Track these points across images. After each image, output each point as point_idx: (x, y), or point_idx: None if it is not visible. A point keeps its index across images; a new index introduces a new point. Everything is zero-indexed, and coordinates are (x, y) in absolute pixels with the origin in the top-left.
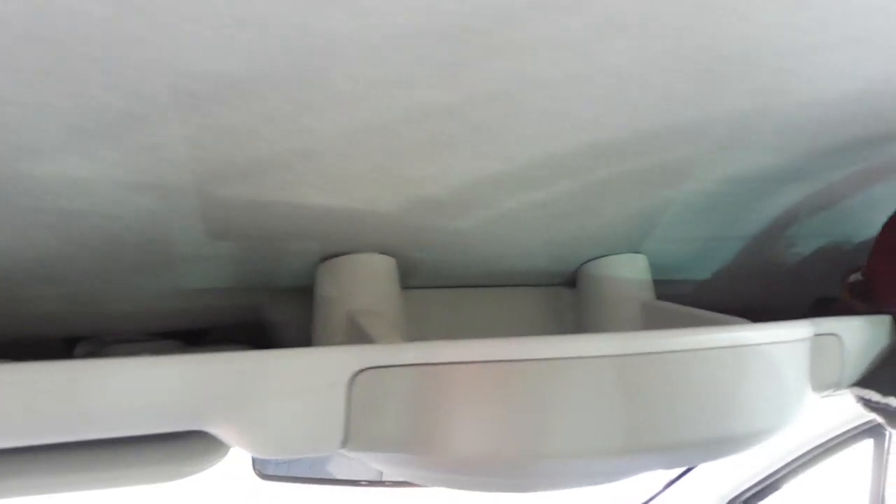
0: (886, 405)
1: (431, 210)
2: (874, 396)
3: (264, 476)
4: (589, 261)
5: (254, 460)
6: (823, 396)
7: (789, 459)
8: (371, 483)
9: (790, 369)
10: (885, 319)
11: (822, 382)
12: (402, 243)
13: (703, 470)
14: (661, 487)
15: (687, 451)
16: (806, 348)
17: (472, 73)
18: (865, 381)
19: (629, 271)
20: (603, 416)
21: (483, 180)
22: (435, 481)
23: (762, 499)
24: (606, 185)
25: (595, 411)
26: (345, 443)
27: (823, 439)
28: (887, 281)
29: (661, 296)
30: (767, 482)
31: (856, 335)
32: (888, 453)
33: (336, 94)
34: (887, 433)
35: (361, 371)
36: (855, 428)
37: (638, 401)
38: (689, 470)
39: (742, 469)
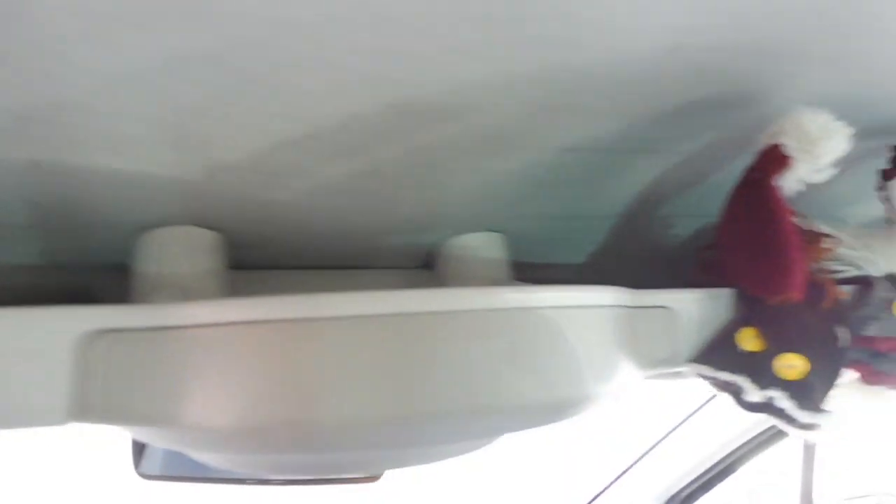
0: (715, 379)
1: (238, 178)
2: (708, 371)
3: (146, 476)
4: (445, 240)
5: (134, 459)
6: (662, 372)
7: (722, 455)
8: (260, 482)
9: (584, 335)
10: (724, 293)
11: (653, 357)
12: (223, 216)
13: (641, 469)
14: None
15: (474, 420)
16: (609, 316)
17: (221, 15)
18: (701, 356)
19: (485, 251)
20: (363, 381)
21: (284, 144)
22: (216, 461)
23: (699, 497)
24: (432, 154)
25: (356, 375)
26: (78, 415)
27: (754, 433)
28: (728, 253)
29: (534, 279)
30: (703, 479)
31: (691, 308)
32: (815, 446)
33: (67, 34)
34: None
35: (98, 335)
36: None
37: (404, 364)
38: (626, 471)
39: (677, 468)
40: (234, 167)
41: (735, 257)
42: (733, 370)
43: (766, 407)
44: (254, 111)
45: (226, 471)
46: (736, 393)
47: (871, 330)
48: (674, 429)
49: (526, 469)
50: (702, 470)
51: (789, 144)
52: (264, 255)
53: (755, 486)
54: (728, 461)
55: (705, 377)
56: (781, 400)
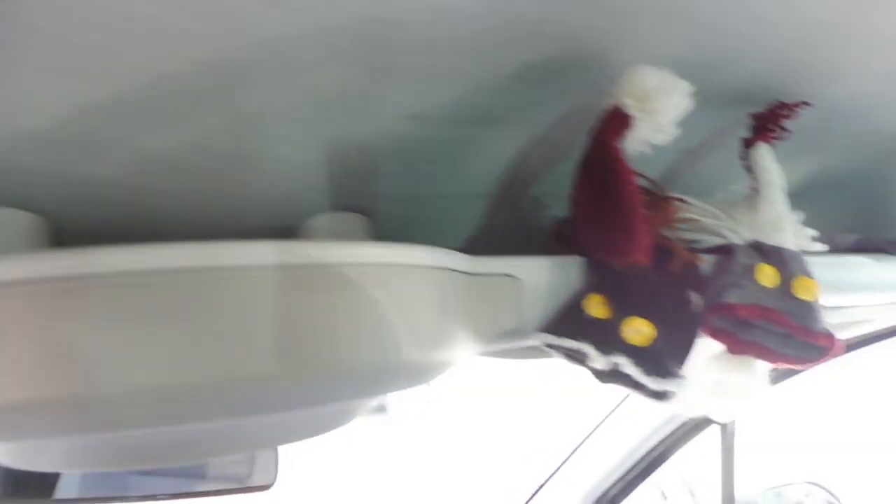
0: (561, 347)
1: (47, 149)
2: (554, 340)
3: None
4: (303, 223)
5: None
6: (512, 340)
7: (643, 453)
8: (174, 496)
9: (400, 296)
10: (573, 261)
11: (497, 326)
12: (47, 197)
13: (569, 470)
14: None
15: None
16: (437, 278)
17: None
18: (547, 325)
19: (343, 233)
20: (138, 347)
21: (88, 108)
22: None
23: (628, 494)
24: (261, 121)
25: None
26: None
27: (672, 428)
28: (577, 220)
29: None
30: (629, 477)
31: (539, 277)
32: (733, 435)
33: None
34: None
35: None
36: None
37: (181, 327)
38: (554, 473)
39: (603, 467)
40: (38, 137)
41: (582, 224)
42: (578, 337)
43: (616, 375)
44: (45, 70)
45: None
46: (583, 362)
47: (733, 297)
48: (594, 429)
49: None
50: (626, 468)
51: (629, 103)
52: (107, 241)
53: (681, 478)
54: (651, 456)
55: (552, 346)
56: (627, 366)
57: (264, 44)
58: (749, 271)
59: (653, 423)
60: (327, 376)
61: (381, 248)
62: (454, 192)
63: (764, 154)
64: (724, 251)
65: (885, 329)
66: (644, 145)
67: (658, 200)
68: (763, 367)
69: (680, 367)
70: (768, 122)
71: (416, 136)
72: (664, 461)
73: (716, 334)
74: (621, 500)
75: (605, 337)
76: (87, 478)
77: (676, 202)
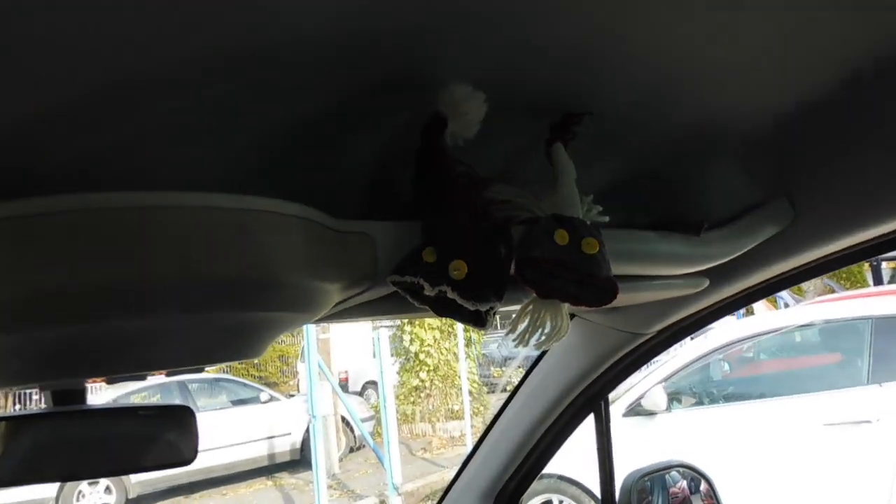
0: (403, 282)
1: None
2: (397, 278)
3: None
4: None
5: None
6: (367, 285)
7: (531, 446)
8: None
9: (268, 231)
10: (415, 224)
11: (354, 274)
12: None
13: (471, 471)
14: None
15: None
16: (300, 226)
17: None
18: (395, 269)
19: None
20: None
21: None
22: None
23: (525, 487)
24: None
25: None
26: None
27: (551, 421)
28: (416, 194)
29: None
30: (524, 469)
31: (390, 236)
32: (608, 422)
33: None
34: (602, 405)
35: None
36: (574, 401)
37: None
38: (458, 475)
39: (497, 464)
40: None
41: (420, 196)
42: (416, 274)
43: (444, 301)
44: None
45: None
46: (417, 291)
47: (537, 252)
48: (489, 427)
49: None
50: (518, 462)
51: (443, 109)
52: None
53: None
54: (539, 449)
55: (395, 283)
56: (449, 293)
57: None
58: (549, 234)
59: (534, 417)
60: (208, 282)
61: (262, 200)
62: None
63: (560, 152)
64: (531, 221)
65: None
66: (458, 139)
67: (475, 180)
68: (566, 307)
69: (492, 298)
70: (561, 128)
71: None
72: (552, 453)
73: (527, 282)
74: (520, 493)
75: (435, 273)
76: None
77: (495, 184)
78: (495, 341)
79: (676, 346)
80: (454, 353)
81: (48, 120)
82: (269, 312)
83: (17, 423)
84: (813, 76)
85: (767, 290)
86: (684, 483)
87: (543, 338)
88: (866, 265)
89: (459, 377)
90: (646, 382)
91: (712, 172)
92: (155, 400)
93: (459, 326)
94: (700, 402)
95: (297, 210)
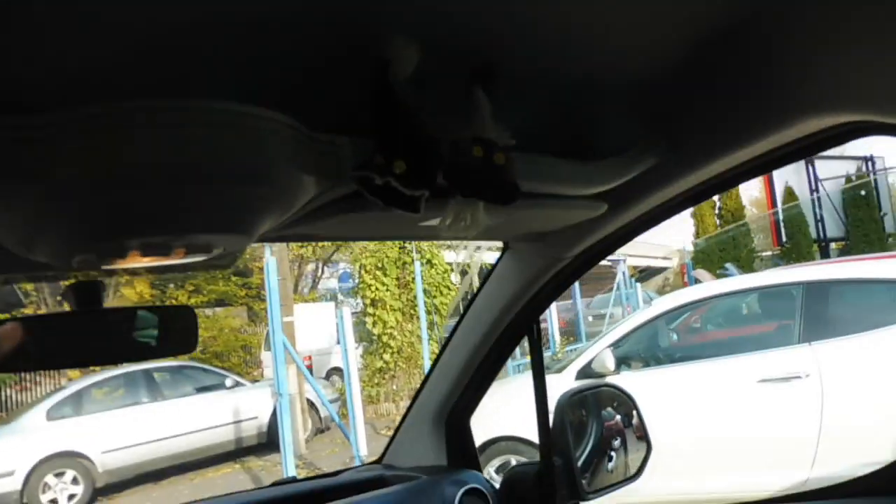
0: (360, 175)
1: None
2: (358, 173)
3: None
4: None
5: None
6: (331, 185)
7: (475, 367)
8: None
9: (251, 131)
10: (369, 139)
11: (323, 171)
12: None
13: (425, 395)
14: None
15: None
16: (273, 123)
17: None
18: (355, 168)
19: None
20: None
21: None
22: None
23: (474, 407)
24: None
25: None
26: None
27: (493, 340)
28: (372, 114)
29: None
30: (470, 391)
31: (349, 145)
32: (539, 342)
33: None
34: (534, 327)
35: None
36: (510, 325)
37: None
38: (414, 399)
39: (447, 386)
40: None
41: (374, 117)
42: (369, 169)
43: (387, 189)
44: None
45: None
46: (369, 183)
47: (460, 161)
48: (440, 352)
49: None
50: (465, 382)
51: (388, 51)
52: None
53: None
54: (485, 368)
55: (354, 177)
56: (393, 181)
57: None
58: (469, 149)
59: (476, 342)
60: (223, 165)
61: (265, 111)
62: None
63: (478, 91)
64: (456, 140)
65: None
66: (399, 76)
67: (414, 107)
68: (482, 206)
69: (424, 187)
70: (480, 72)
71: None
72: (494, 374)
73: (453, 184)
74: (469, 413)
75: (383, 168)
76: None
77: (430, 113)
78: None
79: (625, 315)
80: (417, 336)
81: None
82: (261, 188)
83: (42, 320)
84: (674, 39)
85: (660, 215)
86: (619, 417)
87: (465, 228)
88: (815, 247)
89: (422, 358)
90: (596, 347)
91: (605, 111)
92: (120, 393)
93: (422, 310)
94: (647, 366)
95: (287, 119)
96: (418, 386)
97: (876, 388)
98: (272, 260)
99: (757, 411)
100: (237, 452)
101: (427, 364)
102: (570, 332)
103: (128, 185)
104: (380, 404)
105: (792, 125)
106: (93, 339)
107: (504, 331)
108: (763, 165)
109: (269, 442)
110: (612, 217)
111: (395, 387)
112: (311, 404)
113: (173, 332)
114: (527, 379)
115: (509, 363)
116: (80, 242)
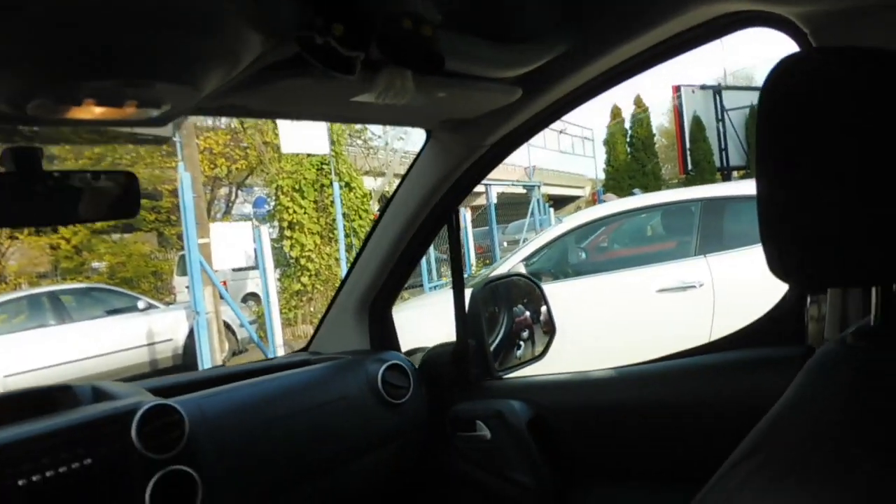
0: (297, 34)
1: None
2: (297, 33)
3: None
4: None
5: None
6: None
7: (397, 256)
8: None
9: None
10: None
11: (268, 30)
12: None
13: (349, 285)
14: None
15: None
16: None
17: None
18: (298, 38)
19: None
20: None
21: None
22: None
23: (395, 297)
24: None
25: None
26: None
27: (415, 229)
28: None
29: None
30: (392, 279)
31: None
32: (458, 230)
33: None
34: (453, 215)
35: None
36: (431, 213)
37: None
38: (339, 289)
39: (369, 275)
40: None
41: None
42: (311, 30)
43: (326, 48)
44: None
45: None
46: (310, 43)
47: (391, 31)
48: (363, 245)
49: None
50: (388, 272)
51: None
52: None
53: None
54: (407, 257)
55: (297, 37)
56: (332, 42)
57: None
58: (399, 21)
59: (398, 231)
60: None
61: None
62: None
63: None
64: (388, 14)
65: None
66: None
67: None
68: (410, 74)
69: (358, 49)
70: None
71: None
72: (416, 262)
73: (384, 53)
74: (391, 301)
75: (323, 29)
76: None
77: None
78: None
79: (536, 234)
80: (335, 259)
81: None
82: (209, 40)
83: None
84: None
85: (572, 101)
86: (528, 313)
87: (395, 95)
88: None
89: (340, 281)
90: (510, 262)
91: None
92: (22, 317)
93: (341, 232)
94: (557, 279)
95: None
96: None
97: (760, 295)
98: (187, 176)
99: (656, 317)
100: (151, 374)
101: None
102: (486, 257)
103: (83, 30)
104: (297, 326)
105: (686, 12)
106: (36, 200)
107: (425, 219)
108: (664, 52)
109: (184, 364)
110: (528, 103)
111: (312, 309)
112: (228, 326)
113: (116, 197)
114: (440, 296)
115: (425, 283)
116: (37, 85)
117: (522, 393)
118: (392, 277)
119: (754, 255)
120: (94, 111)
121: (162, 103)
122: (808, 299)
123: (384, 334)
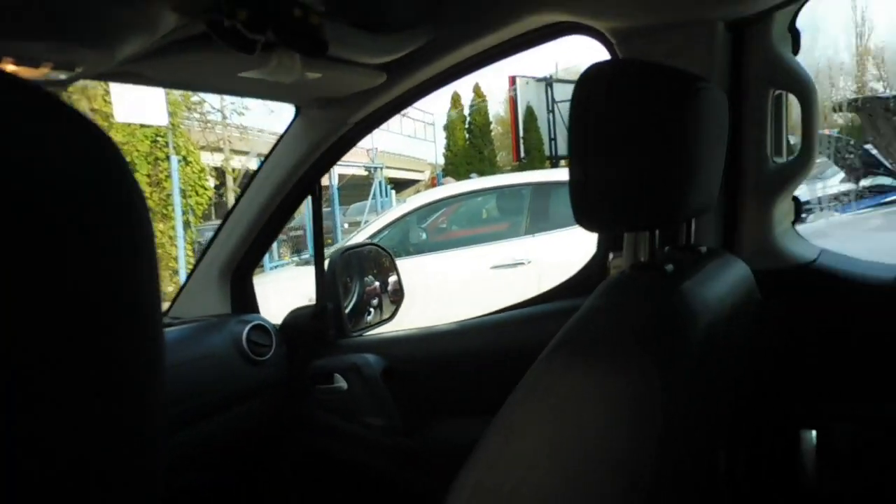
0: (207, 18)
1: None
2: (205, 16)
3: None
4: None
5: None
6: (190, 23)
7: (262, 224)
8: None
9: None
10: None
11: (183, 12)
12: None
13: (213, 251)
14: None
15: None
16: None
17: None
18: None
19: None
20: None
21: None
22: None
23: (258, 261)
24: None
25: None
26: None
27: (280, 198)
28: None
29: None
30: (255, 247)
31: None
32: (320, 201)
33: None
34: (317, 187)
35: None
36: (296, 185)
37: None
38: (202, 256)
39: (233, 242)
40: None
41: None
42: (220, 13)
43: (231, 30)
44: None
45: None
46: (219, 25)
47: (285, 20)
48: (231, 209)
49: None
50: (252, 240)
51: None
52: None
53: None
54: (272, 226)
55: (207, 21)
56: (238, 25)
57: None
58: (291, 11)
59: (263, 201)
60: None
61: None
62: None
63: None
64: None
65: None
66: None
67: None
68: (298, 58)
69: (258, 33)
70: None
71: None
72: (278, 231)
73: (280, 39)
74: (252, 267)
75: (230, 14)
76: None
77: None
78: (210, 229)
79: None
80: (169, 237)
81: None
82: (128, 9)
83: None
84: None
85: (429, 87)
86: (377, 283)
87: (285, 73)
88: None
89: (175, 260)
90: (357, 238)
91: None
92: None
93: (178, 209)
94: (399, 256)
95: None
96: (171, 288)
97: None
98: None
99: (489, 291)
100: None
101: (182, 266)
102: (328, 237)
103: None
104: None
105: (520, 18)
106: None
107: (290, 191)
108: (505, 51)
109: None
110: (390, 86)
111: None
112: None
113: None
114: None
115: (266, 262)
116: None
117: (376, 348)
118: (255, 246)
119: (574, 235)
120: (8, 69)
121: (76, 66)
122: (611, 256)
123: (246, 299)
